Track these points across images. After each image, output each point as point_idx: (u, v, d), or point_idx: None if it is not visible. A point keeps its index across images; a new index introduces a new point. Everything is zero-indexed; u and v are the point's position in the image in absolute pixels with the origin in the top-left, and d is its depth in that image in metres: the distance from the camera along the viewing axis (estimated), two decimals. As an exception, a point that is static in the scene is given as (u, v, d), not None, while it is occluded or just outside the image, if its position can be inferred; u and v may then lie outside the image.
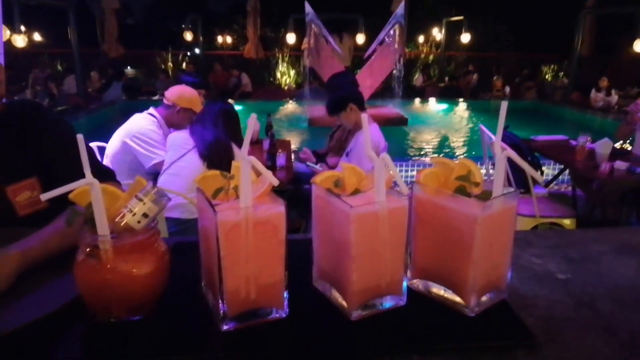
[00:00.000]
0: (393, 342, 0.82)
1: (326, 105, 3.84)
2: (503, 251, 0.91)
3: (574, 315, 0.92)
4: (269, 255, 0.83)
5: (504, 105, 0.81)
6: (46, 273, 0.98)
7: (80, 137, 0.77)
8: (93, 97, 12.40)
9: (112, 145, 3.42)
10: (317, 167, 4.07)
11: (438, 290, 0.93)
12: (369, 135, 2.93)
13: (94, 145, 3.64)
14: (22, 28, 11.63)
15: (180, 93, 3.56)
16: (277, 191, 2.87)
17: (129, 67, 15.89)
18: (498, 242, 0.88)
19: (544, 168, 5.38)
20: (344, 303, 0.88)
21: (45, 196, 0.73)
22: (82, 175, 1.24)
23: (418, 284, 0.97)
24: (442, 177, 0.94)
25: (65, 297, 0.87)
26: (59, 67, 14.99)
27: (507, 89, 14.41)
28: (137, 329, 0.84)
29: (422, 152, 7.89)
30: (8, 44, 10.24)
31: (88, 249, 0.81)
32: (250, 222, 0.79)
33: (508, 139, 4.46)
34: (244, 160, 0.78)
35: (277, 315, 0.87)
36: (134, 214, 0.83)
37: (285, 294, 0.87)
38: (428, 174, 0.92)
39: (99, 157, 3.59)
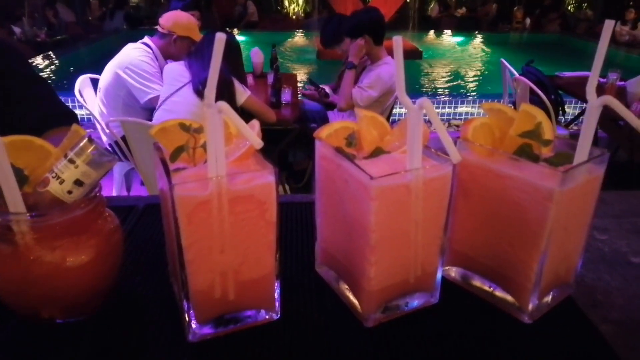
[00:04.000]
0: (420, 356, 0.60)
1: (336, 29, 3.47)
2: (579, 236, 0.66)
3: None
4: (252, 243, 0.59)
5: (608, 25, 0.53)
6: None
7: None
8: (93, 26, 11.84)
9: (105, 77, 3.13)
10: (326, 89, 3.75)
11: (482, 284, 0.70)
12: (386, 69, 2.57)
13: (85, 77, 3.34)
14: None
15: (175, 19, 3.19)
16: (282, 130, 2.56)
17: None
18: (576, 224, 0.64)
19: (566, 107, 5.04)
20: (357, 303, 0.65)
21: None
22: (36, 115, 0.97)
23: (454, 272, 0.73)
24: (497, 131, 0.67)
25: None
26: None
27: (528, 20, 13.54)
28: (74, 335, 0.62)
29: (437, 88, 7.46)
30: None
31: (-1, 231, 0.58)
32: (225, 198, 0.54)
33: (532, 74, 4.10)
34: (211, 107, 0.51)
35: (267, 318, 0.65)
36: (63, 181, 0.59)
37: (277, 290, 0.64)
38: (478, 127, 0.66)
39: (92, 92, 3.32)
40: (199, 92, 2.71)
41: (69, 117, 1.11)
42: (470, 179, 0.66)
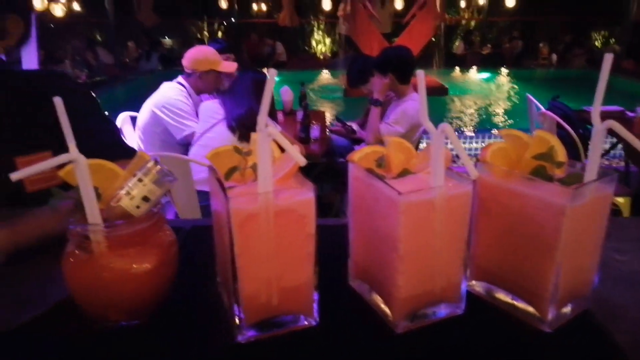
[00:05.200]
0: (448, 361, 0.66)
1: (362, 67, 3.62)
2: (593, 251, 0.71)
3: (679, 331, 0.72)
4: (294, 253, 0.66)
5: (608, 58, 0.60)
6: (40, 261, 0.85)
7: (58, 101, 0.62)
8: (130, 67, 12.48)
9: (142, 115, 3.33)
10: (353, 126, 3.85)
11: (505, 297, 0.75)
12: (411, 105, 2.67)
13: (125, 115, 3.55)
14: (61, -3, 11.73)
15: (194, 57, 3.33)
16: (311, 164, 2.68)
17: (166, 37, 15.87)
18: (588, 239, 0.69)
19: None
20: (388, 311, 0.71)
21: (15, 175, 0.58)
22: (101, 152, 1.09)
23: (478, 287, 0.79)
24: (513, 154, 0.74)
25: (55, 295, 0.73)
26: (98, 37, 15.11)
27: (554, 56, 13.62)
28: (136, 336, 0.70)
29: (463, 123, 7.53)
30: (47, 13, 10.36)
31: (77, 240, 0.67)
32: (271, 212, 0.62)
33: (558, 109, 4.14)
34: (262, 132, 0.61)
35: (305, 324, 0.71)
36: (132, 197, 0.68)
37: (315, 298, 0.71)
38: (496, 151, 0.73)
39: (132, 129, 3.52)
40: (232, 129, 2.85)
41: (128, 152, 1.23)
42: (490, 198, 0.72)
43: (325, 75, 12.64)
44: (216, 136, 2.90)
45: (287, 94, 4.40)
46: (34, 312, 0.73)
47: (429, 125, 0.62)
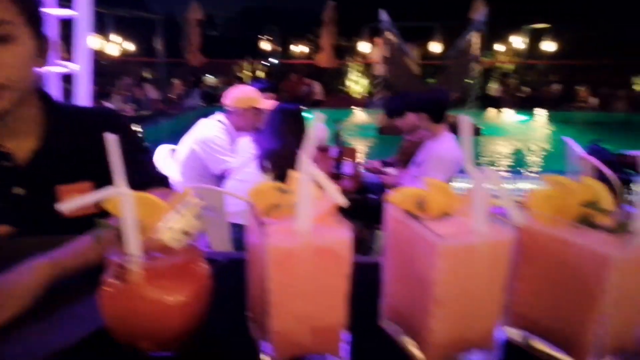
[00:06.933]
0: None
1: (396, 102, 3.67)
2: (642, 305, 0.67)
3: None
4: (328, 292, 0.65)
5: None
6: (82, 287, 0.87)
7: (111, 139, 0.65)
8: (174, 103, 13.00)
9: (181, 150, 3.45)
10: (389, 169, 3.84)
11: (542, 346, 0.72)
12: (445, 147, 2.65)
13: (168, 147, 3.66)
14: (117, 38, 12.49)
15: (234, 95, 3.46)
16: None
17: (207, 75, 16.53)
18: (636, 292, 0.66)
19: (633, 186, 4.84)
20: (421, 355, 0.69)
21: (66, 206, 0.60)
22: (138, 182, 1.12)
23: (515, 334, 0.75)
24: (558, 200, 0.72)
25: (89, 325, 0.75)
26: (148, 75, 15.87)
27: (594, 100, 13.38)
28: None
29: (495, 164, 7.42)
30: (101, 52, 11.01)
31: (115, 270, 0.68)
32: (308, 250, 0.62)
33: (598, 153, 4.04)
34: (304, 172, 0.61)
35: (336, 364, 0.70)
36: (172, 230, 0.69)
37: (346, 338, 0.69)
38: (541, 197, 0.71)
39: (171, 160, 3.63)
40: (264, 169, 2.90)
41: (162, 181, 1.27)
42: (533, 245, 0.70)
43: (360, 113, 12.78)
44: (252, 171, 2.96)
45: (321, 131, 4.46)
46: (68, 341, 0.73)
47: (472, 169, 0.62)
